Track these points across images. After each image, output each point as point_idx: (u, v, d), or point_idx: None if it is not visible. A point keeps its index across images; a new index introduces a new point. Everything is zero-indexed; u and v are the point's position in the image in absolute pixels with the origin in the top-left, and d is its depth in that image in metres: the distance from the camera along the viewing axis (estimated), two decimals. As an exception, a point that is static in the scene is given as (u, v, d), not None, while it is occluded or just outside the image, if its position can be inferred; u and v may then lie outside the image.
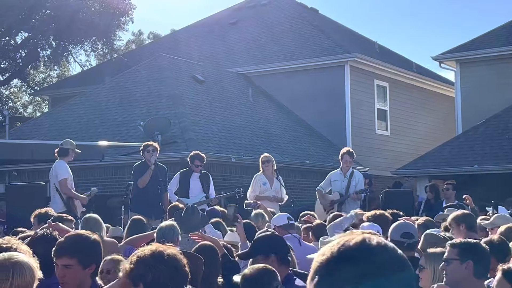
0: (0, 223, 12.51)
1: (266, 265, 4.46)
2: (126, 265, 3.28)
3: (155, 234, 6.59)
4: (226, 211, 10.41)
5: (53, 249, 4.14)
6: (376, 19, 74.37)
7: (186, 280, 3.29)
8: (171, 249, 3.31)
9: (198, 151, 11.79)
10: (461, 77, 21.63)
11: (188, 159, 11.61)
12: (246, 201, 11.13)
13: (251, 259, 5.24)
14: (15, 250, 3.94)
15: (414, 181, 19.49)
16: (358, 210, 7.82)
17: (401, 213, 7.60)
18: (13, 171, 18.51)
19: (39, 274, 3.40)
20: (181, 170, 11.76)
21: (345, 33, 28.07)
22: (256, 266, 4.43)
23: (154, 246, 3.33)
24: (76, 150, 10.90)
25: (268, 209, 9.90)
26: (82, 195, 10.83)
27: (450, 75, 25.57)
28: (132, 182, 11.76)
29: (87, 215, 7.71)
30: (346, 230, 6.89)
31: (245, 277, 4.27)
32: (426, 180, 18.62)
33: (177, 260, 3.27)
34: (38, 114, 37.00)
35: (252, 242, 5.42)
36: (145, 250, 3.29)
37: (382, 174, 21.85)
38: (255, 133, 19.95)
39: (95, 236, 4.35)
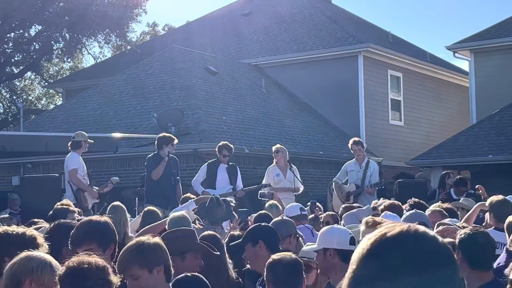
0: (13, 214, 12.61)
1: (296, 258, 4.40)
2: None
3: (166, 226, 6.59)
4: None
5: (69, 241, 4.20)
6: (390, 8, 74.06)
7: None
8: (95, 265, 3.32)
9: (226, 142, 11.77)
10: (476, 67, 21.48)
11: (216, 150, 11.59)
12: (260, 191, 11.11)
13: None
14: (36, 240, 3.98)
15: (427, 172, 19.41)
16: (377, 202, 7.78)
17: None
18: (27, 163, 18.61)
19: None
20: (209, 161, 11.77)
21: (358, 23, 27.95)
22: (284, 253, 4.39)
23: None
24: (89, 140, 10.95)
25: (284, 199, 9.88)
26: (93, 188, 10.84)
27: (464, 65, 25.44)
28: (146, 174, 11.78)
29: (114, 203, 7.72)
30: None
31: (276, 262, 4.21)
32: (440, 170, 18.52)
33: (93, 274, 3.32)
34: (52, 106, 37.15)
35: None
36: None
37: (396, 165, 21.79)
38: (268, 124, 19.94)
39: (104, 218, 4.46)
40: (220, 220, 7.25)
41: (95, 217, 4.52)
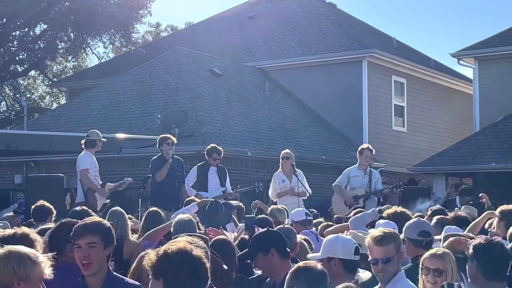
0: (18, 213, 12.65)
1: (318, 264, 4.32)
2: (151, 256, 3.27)
3: (171, 228, 6.60)
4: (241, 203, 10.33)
5: (72, 233, 4.22)
6: (395, 14, 74.09)
7: (205, 285, 3.26)
8: (197, 250, 3.28)
9: (215, 144, 11.73)
10: (480, 74, 21.49)
11: (205, 153, 11.56)
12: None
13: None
14: (28, 238, 4.06)
15: (430, 179, 19.43)
16: (384, 207, 7.78)
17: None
18: (30, 162, 18.65)
19: (44, 267, 3.38)
20: (198, 164, 11.72)
21: (363, 28, 27.98)
22: (310, 262, 4.27)
23: (182, 243, 3.30)
24: (103, 139, 10.97)
25: (289, 204, 9.87)
26: (107, 185, 10.87)
27: (468, 72, 25.41)
28: (150, 175, 11.78)
29: (113, 208, 7.78)
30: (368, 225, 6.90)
31: (298, 270, 4.15)
32: (443, 177, 18.59)
33: (201, 263, 3.25)
34: (55, 105, 37.18)
35: (250, 242, 5.34)
36: (172, 245, 3.28)
37: (398, 171, 21.79)
38: (271, 128, 19.95)
39: (108, 222, 4.50)
40: (218, 224, 7.24)
41: (97, 218, 4.60)
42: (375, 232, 4.80)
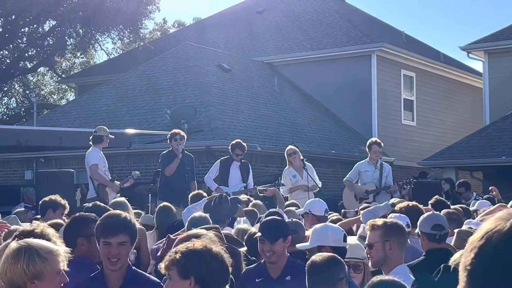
0: (28, 208, 12.68)
1: (334, 254, 4.35)
2: (173, 254, 3.16)
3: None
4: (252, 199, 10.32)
5: (103, 228, 4.17)
6: (403, 8, 73.86)
7: (229, 280, 3.23)
8: (218, 247, 3.24)
9: (239, 140, 11.75)
10: (490, 68, 21.39)
11: (229, 148, 11.59)
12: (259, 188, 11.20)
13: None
14: (42, 233, 4.04)
15: (439, 172, 19.36)
16: (395, 200, 7.76)
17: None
18: (40, 158, 18.71)
19: (59, 259, 3.30)
20: (221, 158, 11.77)
21: (372, 22, 27.89)
22: (325, 254, 4.30)
23: (201, 242, 3.22)
24: (110, 135, 11.00)
25: (301, 199, 9.86)
26: (115, 182, 10.90)
27: (478, 66, 25.31)
28: (160, 170, 11.80)
29: (114, 199, 7.82)
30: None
31: (314, 264, 4.17)
32: (453, 171, 18.52)
33: (226, 259, 3.20)
34: (64, 101, 37.25)
35: (266, 228, 5.21)
36: (195, 243, 3.19)
37: (407, 165, 21.74)
38: (280, 123, 19.92)
39: (131, 216, 4.46)
40: (223, 218, 7.25)
41: (123, 213, 4.50)
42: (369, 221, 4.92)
